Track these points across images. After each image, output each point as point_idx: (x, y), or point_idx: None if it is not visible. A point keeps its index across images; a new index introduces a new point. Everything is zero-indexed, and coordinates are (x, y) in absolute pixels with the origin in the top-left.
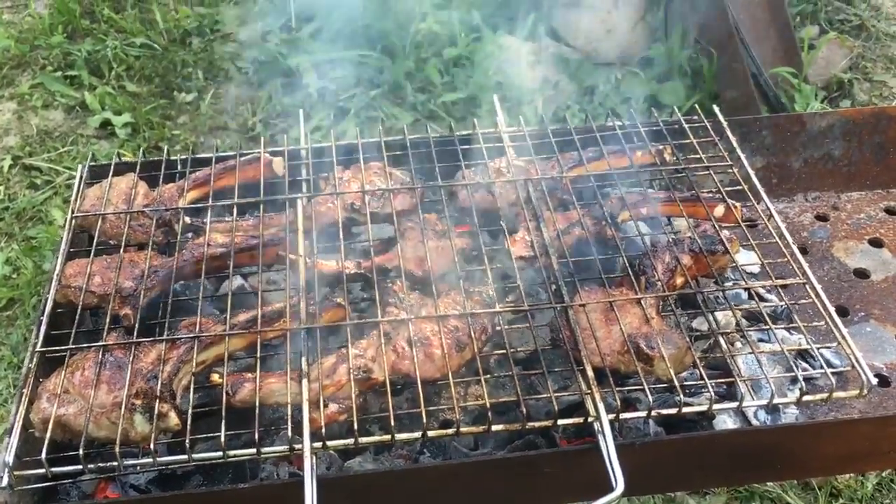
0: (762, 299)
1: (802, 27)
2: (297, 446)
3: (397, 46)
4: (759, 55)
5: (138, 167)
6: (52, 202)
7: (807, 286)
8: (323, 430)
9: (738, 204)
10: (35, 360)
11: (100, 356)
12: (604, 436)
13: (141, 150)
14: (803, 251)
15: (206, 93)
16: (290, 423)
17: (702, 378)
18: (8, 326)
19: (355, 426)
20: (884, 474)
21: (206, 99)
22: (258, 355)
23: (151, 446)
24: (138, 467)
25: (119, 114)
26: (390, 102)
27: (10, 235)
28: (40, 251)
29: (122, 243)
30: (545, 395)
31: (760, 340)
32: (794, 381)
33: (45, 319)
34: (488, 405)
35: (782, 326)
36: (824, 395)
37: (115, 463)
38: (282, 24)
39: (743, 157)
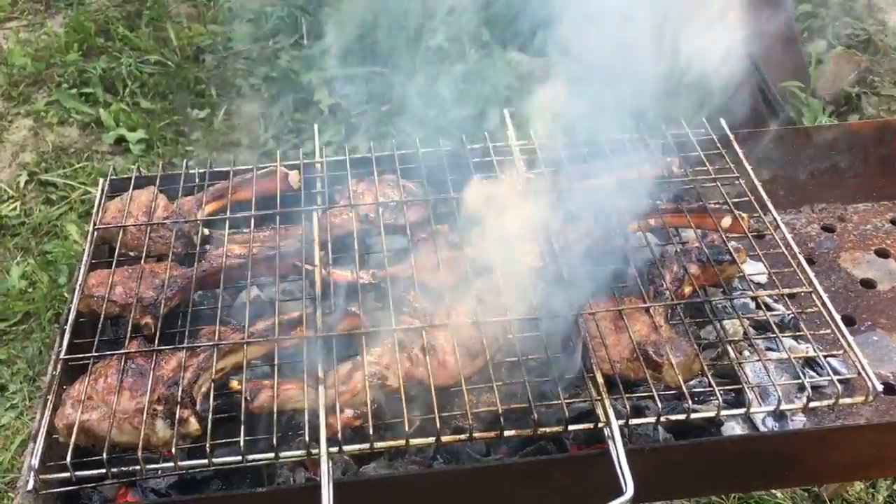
0: (769, 308)
1: (810, 42)
2: (314, 451)
3: (407, 62)
4: (768, 70)
5: (158, 181)
6: (67, 217)
7: (813, 295)
8: (339, 435)
9: (745, 215)
10: (59, 367)
11: (122, 364)
12: (614, 441)
13: (160, 165)
14: (810, 261)
15: (218, 109)
16: (306, 429)
17: (710, 385)
18: (24, 340)
19: (370, 431)
20: (895, 486)
21: (219, 115)
22: (276, 363)
23: (172, 451)
24: (159, 472)
25: (133, 130)
26: (401, 118)
27: (26, 250)
28: (56, 265)
29: (143, 254)
30: (556, 402)
31: (768, 349)
32: (802, 388)
33: (68, 328)
34: (500, 411)
35: (789, 335)
36: (830, 402)
37: (137, 467)
38: (293, 41)
39: (749, 169)
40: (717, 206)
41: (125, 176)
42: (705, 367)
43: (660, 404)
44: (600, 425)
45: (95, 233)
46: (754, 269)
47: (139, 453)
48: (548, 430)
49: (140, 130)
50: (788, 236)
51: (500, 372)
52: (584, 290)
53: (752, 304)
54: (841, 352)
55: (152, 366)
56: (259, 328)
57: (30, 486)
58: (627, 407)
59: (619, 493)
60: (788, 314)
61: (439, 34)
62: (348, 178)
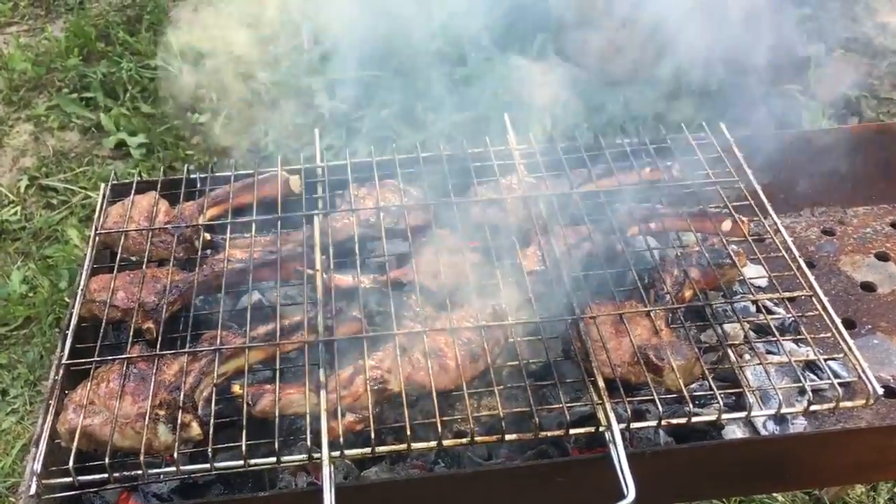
0: (770, 312)
1: (810, 45)
2: (316, 455)
3: (407, 66)
4: (767, 73)
5: (159, 185)
6: (68, 222)
7: (813, 299)
8: (341, 440)
9: (745, 219)
10: (61, 372)
11: (124, 368)
12: (615, 445)
13: (161, 170)
14: (810, 265)
15: (218, 113)
16: (308, 433)
17: (711, 389)
18: (25, 344)
19: (372, 435)
20: (895, 489)
21: (219, 119)
22: (277, 367)
23: (174, 455)
24: (161, 476)
25: (134, 134)
26: (401, 121)
27: (26, 255)
28: (57, 270)
29: (145, 259)
30: (557, 406)
31: (768, 352)
32: (802, 391)
33: (70, 333)
34: (502, 415)
35: (790, 338)
36: (831, 405)
37: (139, 472)
38: (293, 45)
39: (749, 172)
40: (717, 209)
41: (126, 181)
42: (706, 371)
43: (661, 408)
44: (601, 429)
45: (97, 237)
46: (754, 273)
47: (141, 458)
48: (549, 433)
49: (141, 135)
50: (788, 240)
51: (502, 376)
52: (584, 294)
53: (753, 308)
54: (841, 355)
55: (154, 370)
56: (261, 333)
57: (32, 490)
58: (628, 410)
59: (621, 496)
60: (789, 318)
61: (439, 38)
62: (349, 183)
